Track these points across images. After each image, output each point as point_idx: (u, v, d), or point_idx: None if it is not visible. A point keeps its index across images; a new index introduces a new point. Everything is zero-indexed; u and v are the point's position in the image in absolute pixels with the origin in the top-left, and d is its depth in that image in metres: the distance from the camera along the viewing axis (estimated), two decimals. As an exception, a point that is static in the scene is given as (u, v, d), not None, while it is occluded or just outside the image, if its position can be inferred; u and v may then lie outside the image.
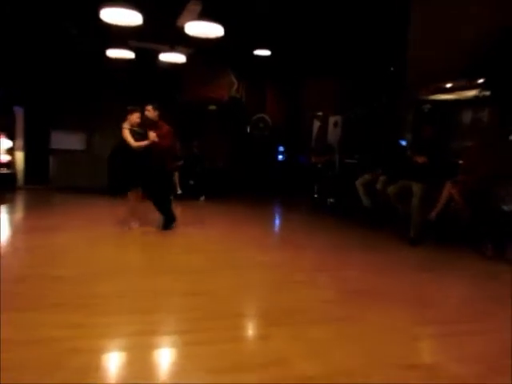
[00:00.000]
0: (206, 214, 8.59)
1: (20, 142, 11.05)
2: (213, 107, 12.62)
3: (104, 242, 5.35)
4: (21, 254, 4.60)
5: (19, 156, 11.07)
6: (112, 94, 11.01)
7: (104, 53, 9.59)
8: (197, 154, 11.23)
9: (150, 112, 5.94)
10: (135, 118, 5.88)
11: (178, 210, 9.93)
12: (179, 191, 10.47)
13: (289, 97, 13.39)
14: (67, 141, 11.35)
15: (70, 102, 11.27)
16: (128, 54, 9.57)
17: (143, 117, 5.89)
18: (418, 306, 3.52)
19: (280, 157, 13.43)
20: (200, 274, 4.19)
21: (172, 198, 6.94)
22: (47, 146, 11.37)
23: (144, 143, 5.88)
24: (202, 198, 10.71)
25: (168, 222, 6.21)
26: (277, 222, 8.62)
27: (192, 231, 6.46)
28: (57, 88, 11.11)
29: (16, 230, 6.02)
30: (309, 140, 12.09)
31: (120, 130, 5.81)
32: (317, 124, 11.91)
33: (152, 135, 5.89)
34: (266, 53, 10.14)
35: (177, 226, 6.37)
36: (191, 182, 10.92)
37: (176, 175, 10.48)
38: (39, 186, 11.06)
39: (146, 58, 10.38)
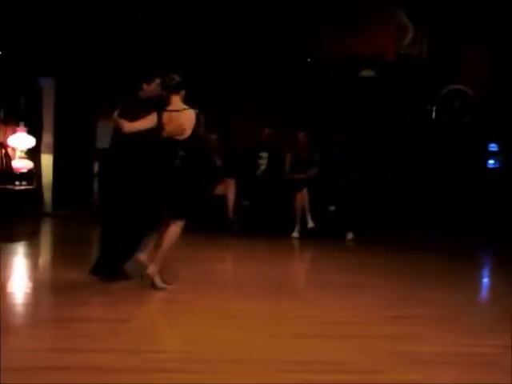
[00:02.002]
0: (355, 272, 7.75)
1: (48, 139, 11.38)
2: (368, 73, 12.25)
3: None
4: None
5: (46, 161, 11.44)
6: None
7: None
8: (340, 157, 11.19)
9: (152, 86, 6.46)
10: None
11: (306, 258, 10.30)
12: (311, 224, 10.31)
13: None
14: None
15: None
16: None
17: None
18: None
19: (491, 162, 12.77)
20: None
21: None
22: (91, 145, 11.50)
23: None
24: (350, 237, 10.48)
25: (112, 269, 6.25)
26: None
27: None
28: (108, 43, 11.05)
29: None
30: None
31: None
32: None
33: None
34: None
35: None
36: (331, 208, 10.79)
37: (304, 195, 10.39)
38: (78, 210, 11.14)
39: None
